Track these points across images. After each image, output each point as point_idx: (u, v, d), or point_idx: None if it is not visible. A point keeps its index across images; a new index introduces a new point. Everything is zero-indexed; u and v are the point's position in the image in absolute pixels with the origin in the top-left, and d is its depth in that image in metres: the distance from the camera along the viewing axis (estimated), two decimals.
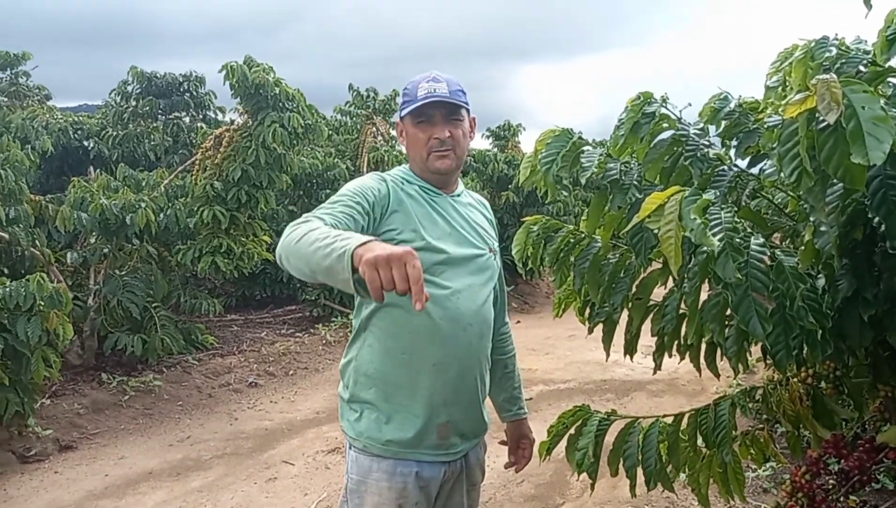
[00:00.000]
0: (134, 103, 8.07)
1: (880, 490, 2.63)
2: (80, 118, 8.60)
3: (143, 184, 6.05)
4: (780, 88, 1.67)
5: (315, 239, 1.32)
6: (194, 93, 8.27)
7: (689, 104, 1.71)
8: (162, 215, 5.63)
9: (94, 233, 5.51)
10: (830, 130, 1.11)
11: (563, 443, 1.92)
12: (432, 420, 1.71)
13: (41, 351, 4.07)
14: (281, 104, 5.99)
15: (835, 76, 1.11)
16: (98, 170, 6.98)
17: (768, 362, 1.77)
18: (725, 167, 1.65)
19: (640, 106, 1.66)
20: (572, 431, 1.90)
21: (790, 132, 1.20)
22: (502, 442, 2.07)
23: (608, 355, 2.00)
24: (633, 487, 1.89)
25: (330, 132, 9.15)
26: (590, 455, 1.83)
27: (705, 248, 1.23)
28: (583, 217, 1.86)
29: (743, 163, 1.68)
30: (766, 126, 1.52)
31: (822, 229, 1.34)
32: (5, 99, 9.51)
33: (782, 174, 1.23)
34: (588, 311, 2.03)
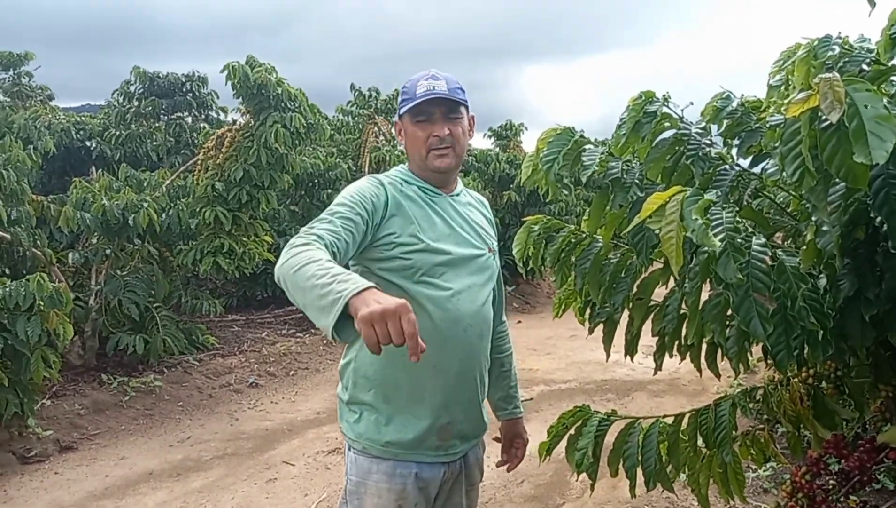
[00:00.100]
0: (136, 103, 8.09)
1: (881, 490, 2.62)
2: (83, 118, 8.63)
3: (146, 184, 6.06)
4: (782, 87, 1.67)
5: (312, 274, 1.31)
6: (197, 93, 8.29)
7: (691, 103, 1.71)
8: (164, 216, 5.63)
9: (95, 233, 5.52)
10: (833, 130, 1.10)
11: (563, 443, 1.91)
12: (433, 422, 1.71)
13: (41, 351, 4.07)
14: (283, 104, 5.99)
15: (837, 75, 1.10)
16: (100, 170, 6.99)
17: (769, 362, 1.76)
18: (727, 167, 1.65)
19: (641, 105, 1.66)
20: (572, 431, 1.90)
21: (792, 131, 1.19)
22: (496, 439, 2.07)
23: (609, 355, 1.99)
24: (632, 487, 1.89)
25: (332, 132, 9.16)
26: (589, 456, 1.82)
27: (706, 248, 1.22)
28: (584, 217, 1.85)
29: (745, 162, 1.67)
30: (768, 125, 1.52)
31: (824, 228, 1.33)
32: (8, 99, 9.53)
33: (784, 174, 1.23)
34: (588, 311, 2.02)
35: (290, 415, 5.16)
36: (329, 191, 8.38)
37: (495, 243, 1.89)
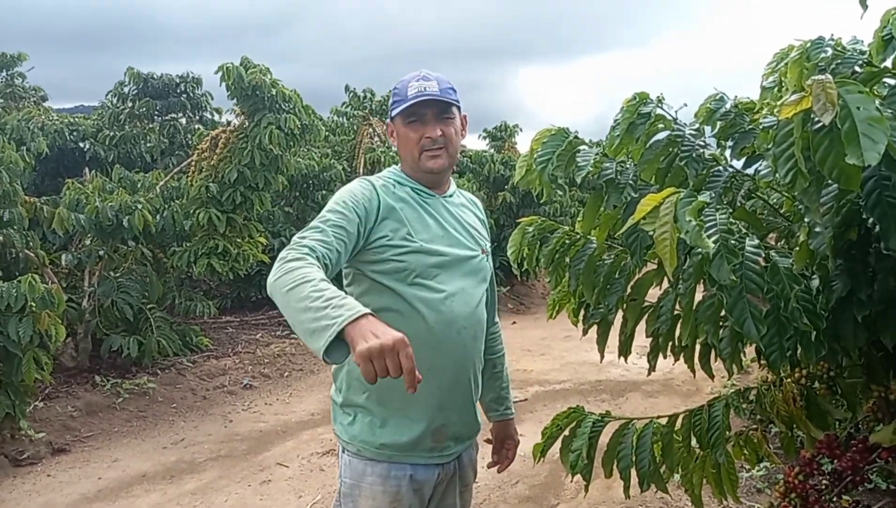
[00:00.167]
0: (130, 105, 8.07)
1: (873, 490, 2.63)
2: (76, 119, 8.59)
3: (139, 186, 6.04)
4: (775, 89, 1.68)
5: (306, 296, 1.33)
6: (191, 94, 8.27)
7: (685, 105, 1.72)
8: (158, 217, 5.61)
9: (89, 235, 5.50)
10: (825, 131, 1.11)
11: (558, 445, 1.91)
12: (427, 425, 1.70)
13: (33, 352, 4.05)
14: (277, 105, 5.98)
15: (830, 77, 1.11)
16: (94, 171, 6.96)
17: (762, 362, 1.77)
18: (721, 168, 1.65)
19: (635, 106, 1.66)
20: (566, 433, 1.90)
21: (785, 133, 1.20)
22: (487, 440, 2.06)
23: (603, 356, 1.99)
24: (626, 488, 1.89)
25: (327, 133, 9.14)
26: (584, 457, 1.83)
27: (700, 250, 1.23)
28: (578, 218, 1.86)
29: (738, 164, 1.68)
30: (761, 127, 1.53)
31: (817, 229, 1.34)
32: (1, 100, 9.49)
33: (777, 175, 1.24)
34: (583, 312, 2.03)
35: (284, 417, 5.15)
36: (324, 192, 8.37)
37: (488, 245, 1.88)
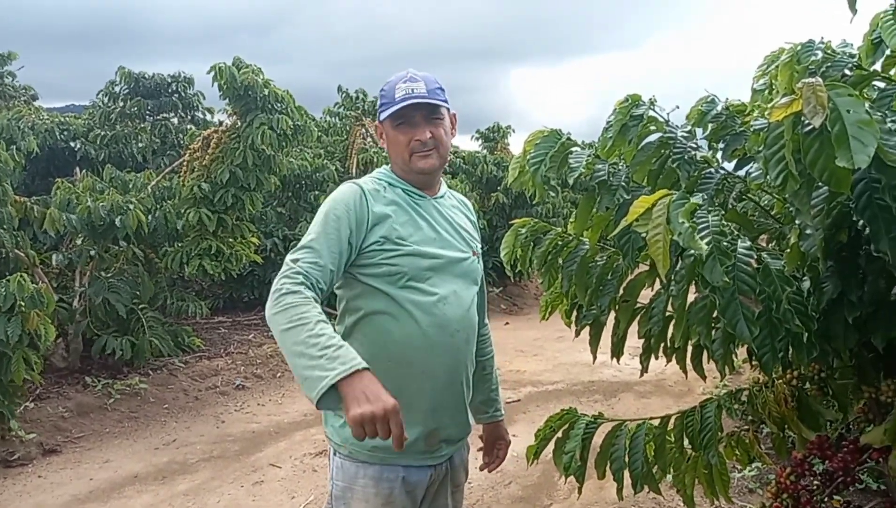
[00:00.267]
0: (121, 104, 8.03)
1: (864, 490, 2.65)
2: (67, 119, 8.55)
3: (131, 186, 6.01)
4: (766, 92, 1.69)
5: (302, 341, 1.39)
6: (182, 94, 8.24)
7: (677, 107, 1.72)
8: (150, 217, 5.59)
9: (80, 235, 5.47)
10: (816, 134, 1.12)
11: (551, 446, 1.92)
12: (420, 428, 1.70)
13: (22, 352, 4.03)
14: (270, 106, 5.97)
15: (820, 80, 1.11)
16: (84, 171, 6.92)
17: (754, 363, 1.78)
18: (712, 170, 1.66)
19: (628, 108, 1.67)
20: (559, 434, 1.90)
21: (776, 135, 1.21)
22: (480, 449, 2.05)
23: (595, 357, 2.00)
24: (619, 490, 1.90)
25: (319, 134, 9.13)
26: (577, 459, 1.83)
27: (693, 251, 1.23)
28: (570, 219, 1.86)
29: (730, 166, 1.69)
30: (752, 129, 1.53)
31: (808, 231, 1.35)
32: None
33: (768, 177, 1.24)
34: (575, 314, 2.03)
35: (276, 417, 5.14)
36: (316, 192, 8.36)
37: (479, 246, 1.87)
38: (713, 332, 1.50)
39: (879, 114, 1.13)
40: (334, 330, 1.45)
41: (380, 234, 1.65)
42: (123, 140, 8.00)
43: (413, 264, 1.66)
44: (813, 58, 1.45)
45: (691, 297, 1.50)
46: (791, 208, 1.41)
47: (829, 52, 1.46)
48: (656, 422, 1.88)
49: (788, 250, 1.44)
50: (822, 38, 1.50)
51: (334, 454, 1.76)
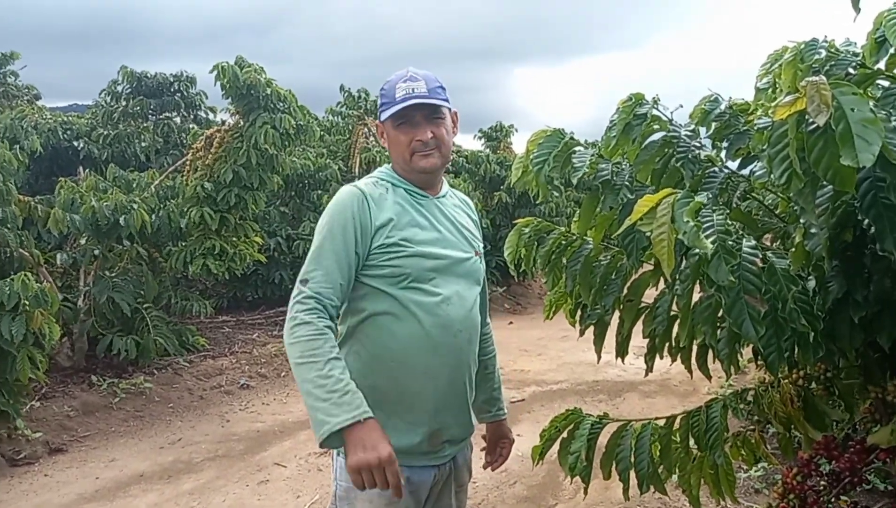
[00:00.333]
0: (124, 103, 8.04)
1: (871, 490, 2.64)
2: (70, 118, 8.56)
3: (134, 185, 6.02)
4: (770, 90, 1.68)
5: (311, 380, 1.49)
6: (185, 93, 8.25)
7: (681, 106, 1.71)
8: (154, 217, 5.60)
9: (84, 234, 5.48)
10: (820, 132, 1.11)
11: (556, 447, 1.91)
12: (424, 429, 1.70)
13: (27, 351, 4.04)
14: (272, 105, 5.97)
15: (824, 78, 1.11)
16: (88, 170, 6.94)
17: (760, 363, 1.77)
18: (716, 169, 1.65)
19: (631, 107, 1.66)
20: (564, 435, 1.90)
21: (780, 134, 1.20)
22: (483, 437, 2.05)
23: (600, 356, 1.99)
24: (626, 490, 1.89)
25: (322, 133, 9.13)
26: (582, 459, 1.83)
27: (697, 250, 1.23)
28: (574, 218, 1.85)
29: (733, 165, 1.68)
30: (756, 128, 1.53)
31: (813, 230, 1.34)
32: None
33: (772, 176, 1.24)
34: (579, 313, 2.02)
35: (281, 416, 5.15)
36: (319, 192, 8.36)
37: (481, 246, 1.87)
38: (718, 331, 1.49)
39: (884, 112, 1.13)
40: (345, 365, 1.54)
41: (383, 237, 1.65)
42: (126, 139, 8.02)
43: (416, 266, 1.65)
44: (816, 56, 1.44)
45: (696, 296, 1.50)
46: (795, 207, 1.41)
47: (832, 50, 1.45)
48: (662, 422, 1.88)
49: (793, 250, 1.43)
50: (826, 36, 1.50)
51: (337, 454, 1.76)
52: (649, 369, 1.97)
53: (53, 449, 4.41)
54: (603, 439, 1.89)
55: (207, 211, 5.85)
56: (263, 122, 5.85)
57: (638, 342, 1.93)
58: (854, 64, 1.39)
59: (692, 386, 5.32)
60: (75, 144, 7.97)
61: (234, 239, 6.20)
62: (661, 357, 1.91)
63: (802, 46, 1.47)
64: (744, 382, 4.41)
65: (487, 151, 11.45)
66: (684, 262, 1.44)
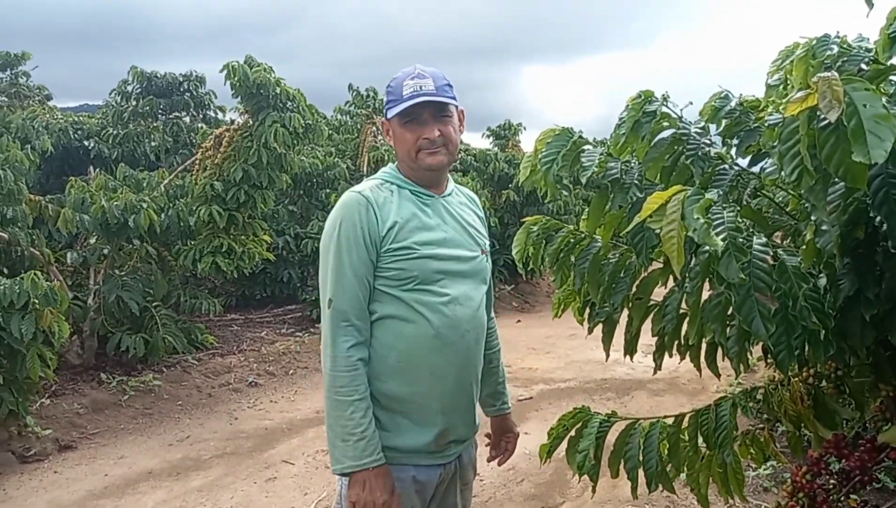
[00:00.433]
0: (134, 103, 8.08)
1: (881, 489, 2.63)
2: (81, 118, 8.62)
3: (144, 184, 6.05)
4: (781, 87, 1.67)
5: (337, 416, 1.63)
6: (194, 92, 8.29)
7: (690, 103, 1.70)
8: (163, 216, 5.62)
9: (94, 234, 5.51)
10: (831, 129, 1.10)
11: (564, 445, 1.91)
12: (431, 429, 1.70)
13: (37, 349, 4.06)
14: (281, 104, 5.98)
15: (836, 74, 1.10)
16: (98, 169, 6.98)
17: (769, 361, 1.76)
18: (726, 166, 1.64)
19: (640, 105, 1.65)
20: (572, 433, 1.89)
21: (791, 130, 1.19)
22: (487, 435, 2.05)
23: (608, 354, 1.99)
24: (634, 489, 1.89)
25: (330, 132, 9.15)
26: (590, 458, 1.82)
27: (707, 248, 1.22)
28: (583, 217, 1.85)
29: (744, 162, 1.67)
30: (766, 124, 1.52)
31: (824, 228, 1.33)
32: (5, 99, 9.52)
33: (783, 173, 1.22)
34: (588, 311, 2.02)
35: (289, 414, 5.16)
36: (327, 190, 8.38)
37: (487, 243, 1.86)
38: (728, 329, 1.48)
39: None
40: (369, 404, 1.64)
41: (390, 241, 1.65)
42: (136, 139, 8.06)
43: (423, 268, 1.65)
44: (828, 52, 1.43)
45: (706, 294, 1.49)
46: (806, 205, 1.40)
47: (844, 46, 1.44)
48: (670, 420, 1.87)
49: (804, 247, 1.42)
50: (838, 32, 1.48)
51: None
52: (658, 367, 1.96)
53: (63, 446, 4.44)
54: (611, 437, 1.89)
55: (216, 210, 5.87)
56: (273, 121, 5.86)
57: (647, 340, 1.92)
58: (866, 60, 1.38)
59: (701, 384, 5.30)
60: (86, 143, 8.03)
61: (243, 238, 6.22)
62: (670, 355, 1.91)
63: (814, 42, 1.46)
64: (753, 380, 4.38)
65: (496, 149, 11.44)
66: (694, 259, 1.44)
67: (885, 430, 1.61)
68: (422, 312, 1.65)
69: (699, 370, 1.95)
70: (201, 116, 8.60)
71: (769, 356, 1.63)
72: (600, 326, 1.97)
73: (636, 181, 1.62)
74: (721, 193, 1.48)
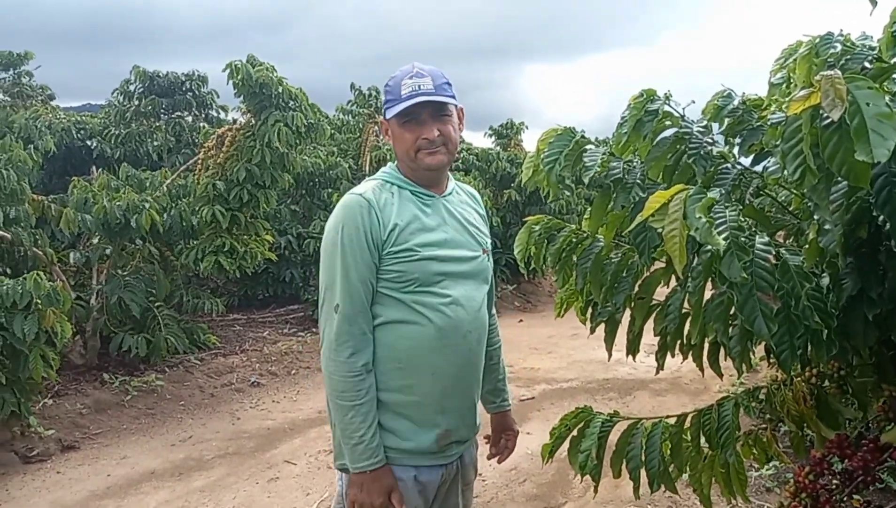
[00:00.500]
0: (136, 103, 8.10)
1: (884, 489, 2.62)
2: (83, 118, 8.63)
3: (147, 184, 6.05)
4: (783, 85, 1.66)
5: (342, 418, 1.65)
6: (196, 92, 8.30)
7: (693, 102, 1.70)
8: (165, 216, 5.63)
9: (97, 234, 5.52)
10: (834, 127, 1.09)
11: (566, 445, 1.90)
12: (433, 430, 1.70)
13: (39, 349, 4.07)
14: (284, 103, 5.98)
15: (839, 72, 1.09)
16: (101, 169, 6.99)
17: (772, 361, 1.75)
18: (729, 165, 1.64)
19: (642, 104, 1.65)
20: (574, 433, 1.89)
21: (794, 129, 1.18)
22: (486, 437, 2.04)
23: (610, 354, 1.98)
24: (636, 489, 1.88)
25: (332, 131, 9.15)
26: (592, 458, 1.81)
27: (710, 247, 1.22)
28: (585, 216, 1.84)
29: (746, 161, 1.67)
30: (769, 123, 1.51)
31: (827, 227, 1.33)
32: (8, 99, 9.54)
33: (786, 172, 1.22)
34: (590, 311, 2.01)
35: (291, 414, 5.16)
36: (329, 190, 8.38)
37: (488, 242, 1.85)
38: (730, 329, 1.48)
39: None
40: (371, 407, 1.66)
41: (391, 244, 1.64)
42: (138, 138, 8.07)
43: (424, 270, 1.65)
44: (832, 50, 1.42)
45: (708, 294, 1.48)
46: (809, 204, 1.40)
47: (848, 44, 1.43)
48: (673, 420, 1.87)
49: (807, 246, 1.42)
50: (841, 30, 1.48)
51: None
52: (660, 367, 1.96)
53: (66, 447, 4.45)
54: (613, 437, 1.88)
55: (219, 209, 5.87)
56: (276, 120, 5.86)
57: (649, 339, 1.92)
58: (870, 58, 1.37)
59: (703, 384, 5.29)
60: (88, 143, 8.04)
61: (245, 237, 6.22)
62: (673, 355, 1.90)
63: (817, 41, 1.45)
64: (756, 380, 4.38)
65: (498, 148, 11.42)
66: (696, 259, 1.43)
67: (888, 430, 1.60)
68: (423, 313, 1.64)
69: (701, 369, 1.95)
70: (204, 115, 8.61)
71: (772, 355, 1.62)
72: (602, 326, 1.97)
73: (638, 181, 1.62)
74: (723, 192, 1.48)
